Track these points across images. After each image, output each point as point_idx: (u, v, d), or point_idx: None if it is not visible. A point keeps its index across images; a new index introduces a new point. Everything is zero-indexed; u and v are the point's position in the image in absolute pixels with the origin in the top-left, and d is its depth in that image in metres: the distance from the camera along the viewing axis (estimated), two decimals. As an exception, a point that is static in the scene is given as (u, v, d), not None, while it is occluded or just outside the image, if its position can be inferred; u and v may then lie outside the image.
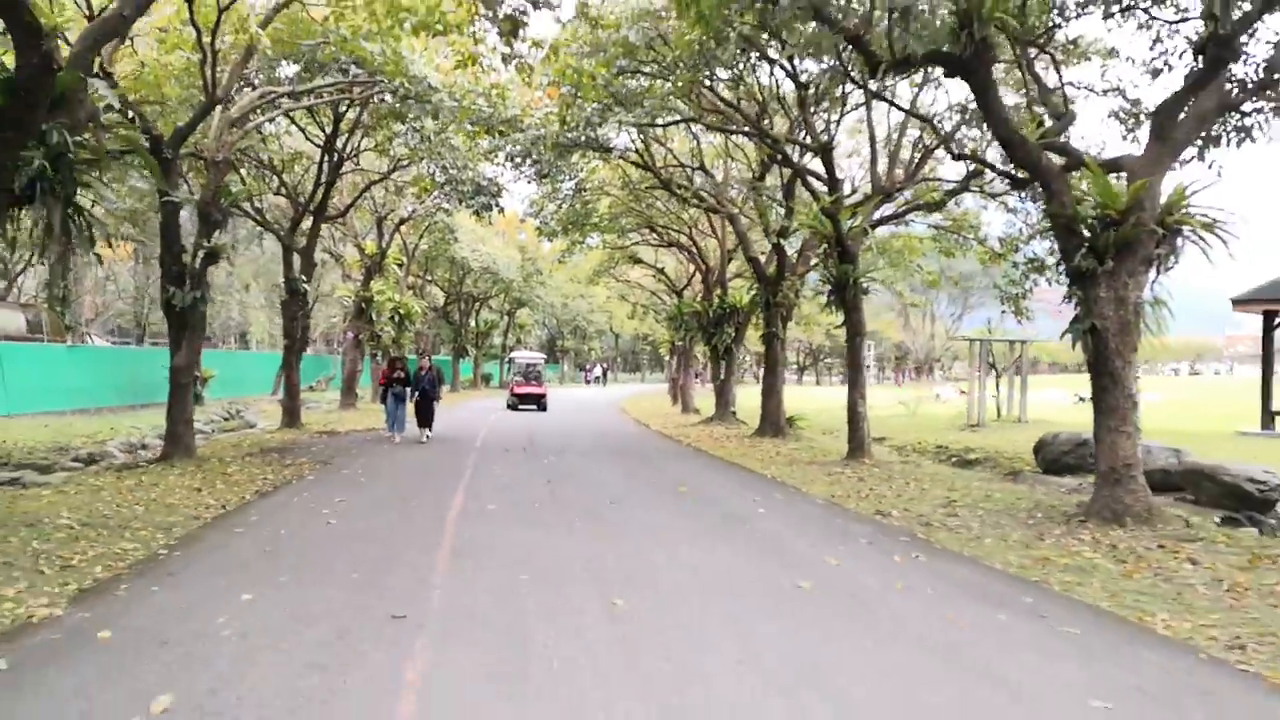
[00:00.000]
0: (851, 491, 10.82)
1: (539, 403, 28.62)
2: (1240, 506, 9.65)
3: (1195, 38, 9.06)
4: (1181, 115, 8.96)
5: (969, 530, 8.25)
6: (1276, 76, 8.96)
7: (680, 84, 12.89)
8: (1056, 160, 9.70)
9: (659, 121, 15.01)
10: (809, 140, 14.51)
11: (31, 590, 5.34)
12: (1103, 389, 8.87)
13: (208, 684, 3.83)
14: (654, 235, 27.94)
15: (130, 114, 10.96)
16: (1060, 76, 11.36)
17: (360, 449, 14.78)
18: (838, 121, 15.78)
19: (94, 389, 23.20)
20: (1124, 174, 9.28)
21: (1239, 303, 18.44)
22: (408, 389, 16.04)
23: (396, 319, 27.93)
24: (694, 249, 26.53)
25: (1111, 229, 8.76)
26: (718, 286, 25.10)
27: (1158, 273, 9.05)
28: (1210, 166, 10.13)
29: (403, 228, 28.04)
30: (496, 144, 15.16)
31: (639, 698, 3.80)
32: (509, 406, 28.47)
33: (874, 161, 14.59)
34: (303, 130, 18.69)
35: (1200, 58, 8.81)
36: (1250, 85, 9.10)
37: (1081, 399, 33.30)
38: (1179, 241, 9.01)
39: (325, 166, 18.25)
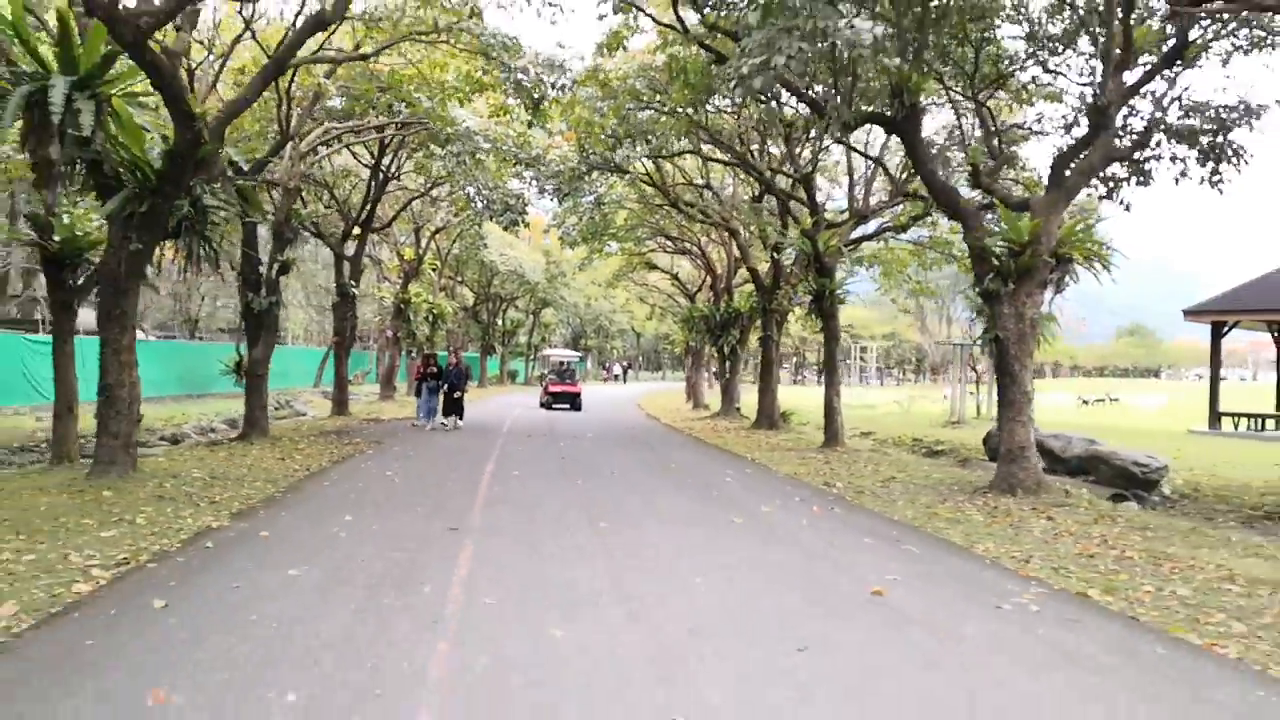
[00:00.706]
0: (813, 470, 13.06)
1: (574, 402, 27.73)
2: (1129, 486, 11.79)
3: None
4: (1073, 165, 11.11)
5: (890, 496, 10.48)
6: (1154, 137, 11.07)
7: (679, 125, 15.19)
8: (977, 199, 11.88)
9: (664, 153, 17.33)
10: (794, 171, 16.76)
11: (198, 514, 7.78)
12: (1004, 387, 11.07)
13: (335, 561, 6.21)
14: (669, 242, 30.20)
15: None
16: (994, 123, 13.50)
17: (404, 433, 17.25)
18: (821, 152, 17.96)
19: (159, 380, 25.92)
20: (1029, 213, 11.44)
21: (1189, 314, 20.38)
22: (440, 382, 18.43)
23: (430, 319, 30.50)
24: (704, 257, 28.78)
25: (1014, 258, 10.95)
26: (725, 293, 27.35)
27: (1053, 293, 11.22)
28: (1121, 204, 12.24)
29: (437, 235, 30.55)
30: (522, 172, 17.58)
31: (605, 562, 6.15)
32: (542, 405, 27.76)
33: (851, 188, 16.79)
34: (353, 153, 21.20)
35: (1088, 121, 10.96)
36: (1131, 143, 11.22)
37: (1085, 401, 35.13)
38: (1071, 267, 11.19)
39: (373, 185, 20.77)
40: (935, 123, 16.17)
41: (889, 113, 11.27)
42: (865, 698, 3.88)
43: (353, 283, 20.90)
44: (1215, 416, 19.96)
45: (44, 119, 7.77)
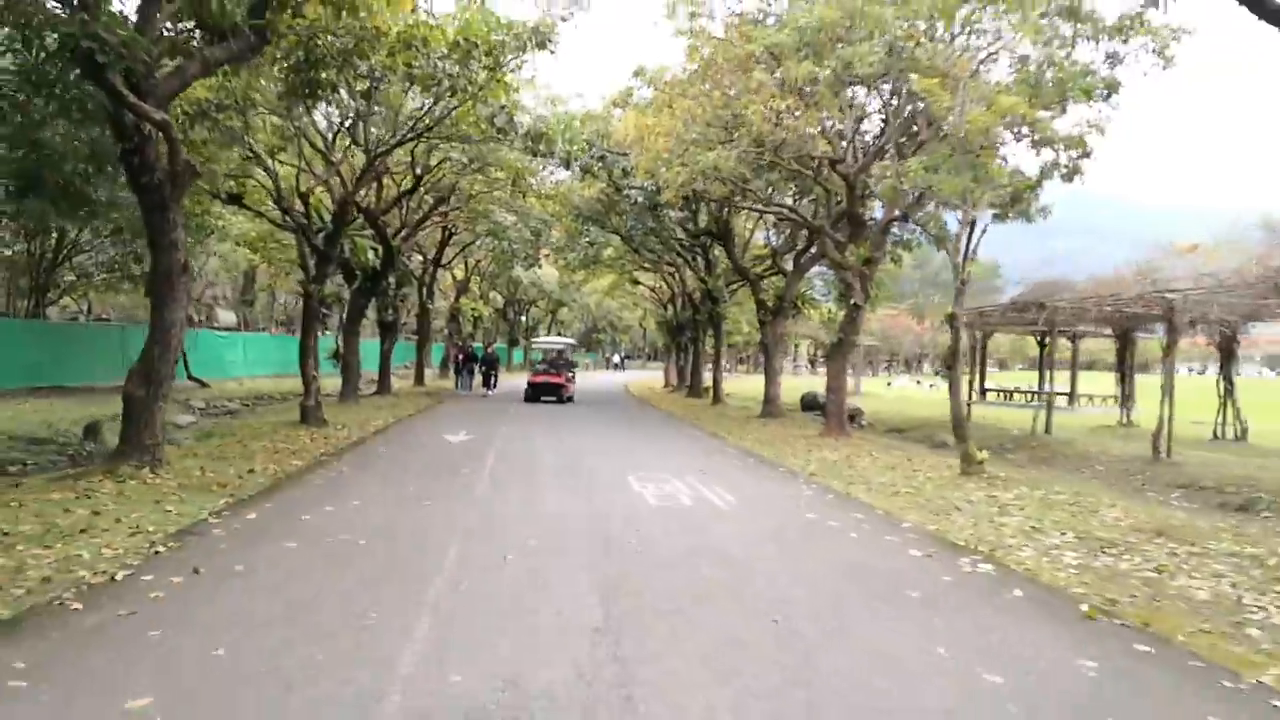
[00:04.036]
0: (720, 424, 24.37)
1: (558, 394, 26.21)
2: (853, 419, 23.07)
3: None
4: (803, 261, 22.35)
5: (781, 441, 21.74)
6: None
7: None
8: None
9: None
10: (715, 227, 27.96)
11: (347, 426, 19.35)
12: (768, 368, 22.39)
13: (463, 425, 17.71)
14: (647, 265, 41.50)
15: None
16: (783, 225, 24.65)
17: (455, 397, 28.78)
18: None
19: (288, 361, 37.75)
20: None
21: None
22: (474, 364, 30.01)
23: (473, 319, 42.16)
24: (671, 279, 40.10)
25: (774, 306, 22.27)
26: (683, 305, 38.63)
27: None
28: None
29: (479, 263, 42.21)
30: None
31: (561, 444, 17.70)
32: (525, 399, 26.16)
33: (730, 254, 27.99)
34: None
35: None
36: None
37: (932, 385, 46.35)
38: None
39: (441, 242, 32.38)
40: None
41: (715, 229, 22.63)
42: (665, 467, 15.35)
43: (430, 302, 32.53)
44: (981, 392, 31.02)
45: (322, 245, 19.31)
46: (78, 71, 8.41)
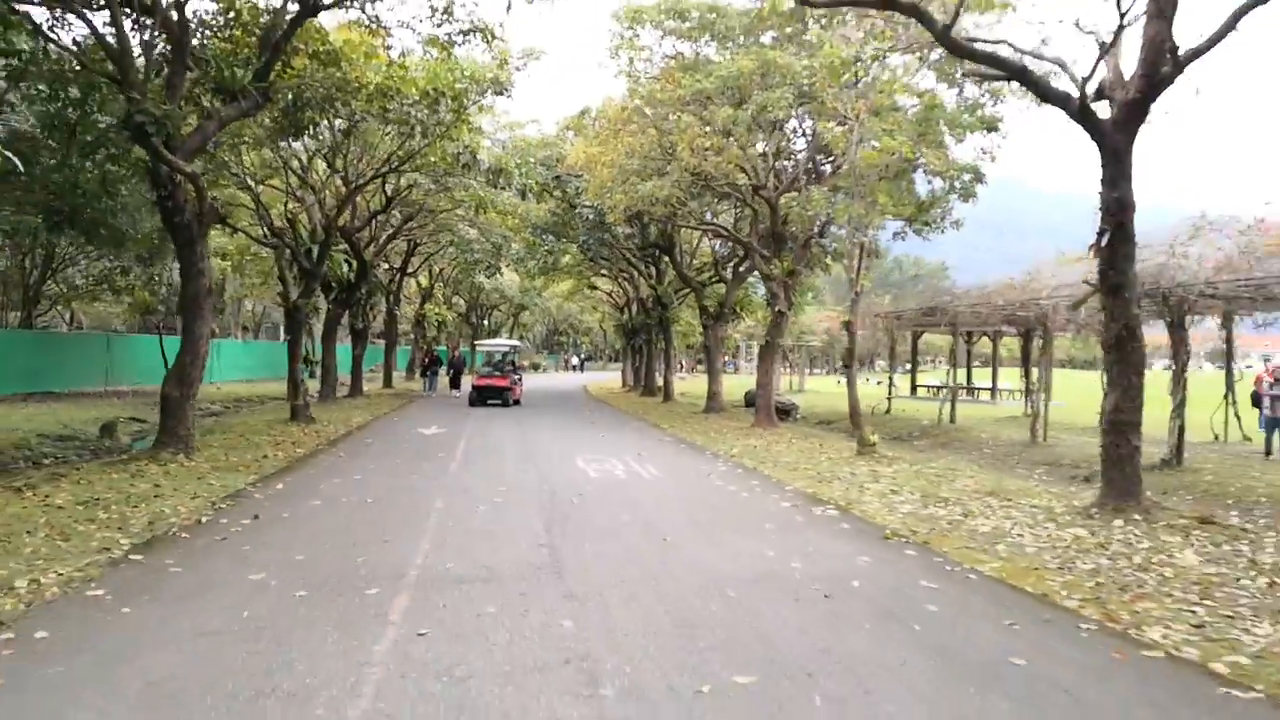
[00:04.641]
0: (664, 418, 26.76)
1: (503, 397, 25.53)
2: (784, 414, 25.64)
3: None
4: (740, 270, 24.89)
5: (714, 432, 24.14)
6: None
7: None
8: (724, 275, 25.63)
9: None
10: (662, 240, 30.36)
11: (332, 423, 21.46)
12: (710, 368, 24.88)
13: (429, 421, 19.90)
14: (604, 272, 43.83)
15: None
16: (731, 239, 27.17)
17: (423, 398, 30.84)
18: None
19: (257, 367, 39.44)
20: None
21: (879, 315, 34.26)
22: (438, 367, 32.12)
23: (437, 324, 44.10)
24: (626, 284, 42.45)
25: (716, 312, 24.75)
26: (640, 308, 40.99)
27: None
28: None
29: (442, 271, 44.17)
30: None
31: (523, 448, 19.97)
32: (470, 402, 25.71)
33: (677, 265, 30.45)
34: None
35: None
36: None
37: (879, 383, 49.39)
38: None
39: (407, 253, 34.37)
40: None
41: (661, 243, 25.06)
42: (606, 453, 17.68)
43: (396, 310, 34.50)
44: (913, 388, 33.90)
45: (294, 256, 21.31)
46: (128, 135, 10.49)
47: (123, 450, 14.54)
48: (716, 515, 8.84)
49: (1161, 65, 9.00)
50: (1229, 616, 5.43)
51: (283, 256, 19.99)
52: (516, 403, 25.98)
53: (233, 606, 5.17)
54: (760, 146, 18.08)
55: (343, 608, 5.18)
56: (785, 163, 19.88)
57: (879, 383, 52.85)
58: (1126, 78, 9.36)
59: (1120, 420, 9.50)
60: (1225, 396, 17.50)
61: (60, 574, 5.75)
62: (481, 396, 25.47)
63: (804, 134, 18.73)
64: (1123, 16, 9.38)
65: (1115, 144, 9.46)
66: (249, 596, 5.39)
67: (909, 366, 39.08)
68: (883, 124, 15.69)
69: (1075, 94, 9.61)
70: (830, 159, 19.36)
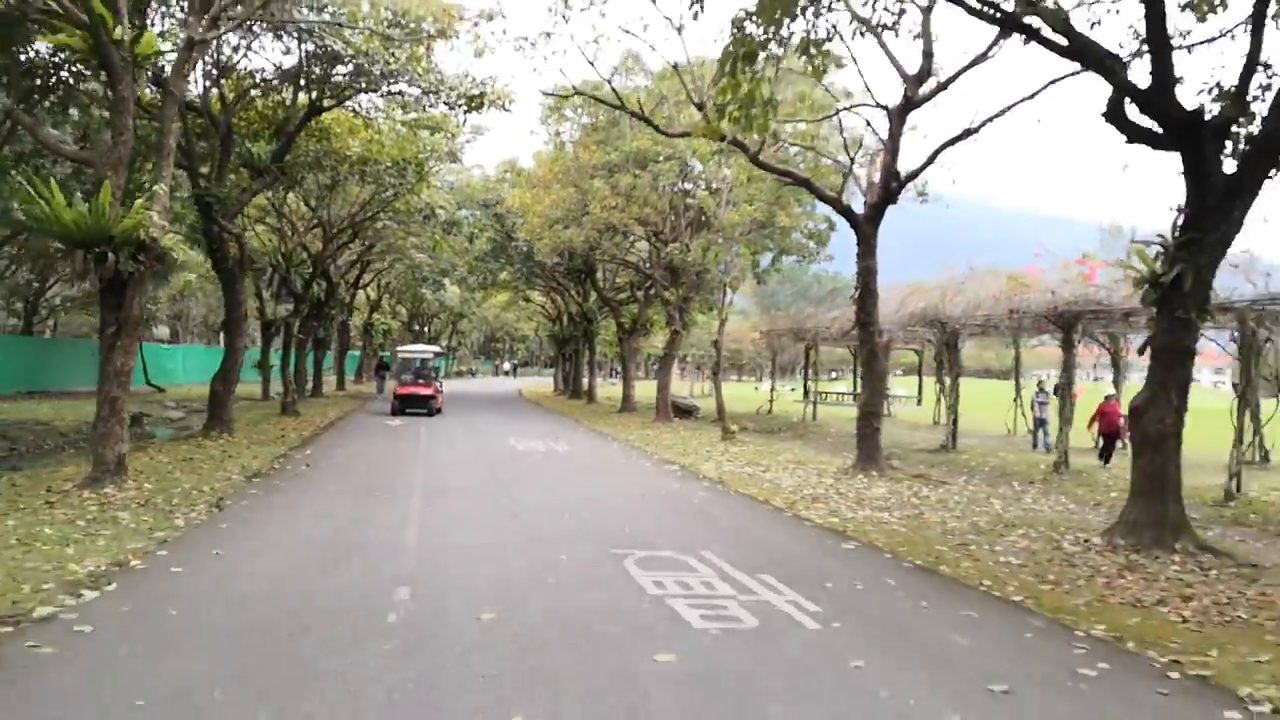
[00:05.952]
0: (585, 415, 31.60)
1: (427, 406, 24.69)
2: (687, 413, 30.78)
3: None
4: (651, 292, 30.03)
5: (621, 425, 29.01)
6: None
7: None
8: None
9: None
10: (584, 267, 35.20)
11: (315, 416, 25.85)
12: (625, 375, 29.92)
13: (386, 423, 24.44)
14: (537, 288, 48.54)
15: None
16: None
17: (376, 398, 35.08)
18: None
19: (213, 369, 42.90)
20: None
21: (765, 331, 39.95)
22: (385, 371, 36.44)
23: (383, 332, 48.18)
24: (558, 298, 47.26)
25: (627, 331, 29.80)
26: (569, 321, 45.79)
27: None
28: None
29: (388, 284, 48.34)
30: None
31: (470, 434, 24.66)
32: (393, 411, 24.73)
33: (602, 281, 35.40)
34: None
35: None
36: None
37: (793, 389, 55.34)
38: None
39: (360, 270, 38.56)
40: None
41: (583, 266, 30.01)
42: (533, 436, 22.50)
43: (348, 322, 38.66)
44: (806, 393, 39.48)
45: (286, 283, 25.54)
46: (197, 208, 14.98)
47: (151, 436, 18.76)
48: (600, 469, 13.85)
49: (891, 183, 14.35)
50: (868, 512, 10.67)
51: (261, 278, 24.22)
52: (439, 410, 25.27)
53: (332, 494, 9.97)
54: (657, 203, 23.25)
55: (388, 499, 10.00)
56: (675, 217, 25.12)
57: (792, 389, 58.27)
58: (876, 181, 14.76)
59: (868, 411, 14.81)
60: (1014, 400, 23.20)
61: (229, 479, 10.43)
62: (404, 405, 24.46)
63: (689, 194, 23.94)
64: (860, 156, 14.80)
65: (866, 231, 14.75)
66: (335, 494, 10.18)
67: (834, 375, 44.93)
68: (746, 191, 21.02)
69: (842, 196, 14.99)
70: (705, 216, 24.69)
